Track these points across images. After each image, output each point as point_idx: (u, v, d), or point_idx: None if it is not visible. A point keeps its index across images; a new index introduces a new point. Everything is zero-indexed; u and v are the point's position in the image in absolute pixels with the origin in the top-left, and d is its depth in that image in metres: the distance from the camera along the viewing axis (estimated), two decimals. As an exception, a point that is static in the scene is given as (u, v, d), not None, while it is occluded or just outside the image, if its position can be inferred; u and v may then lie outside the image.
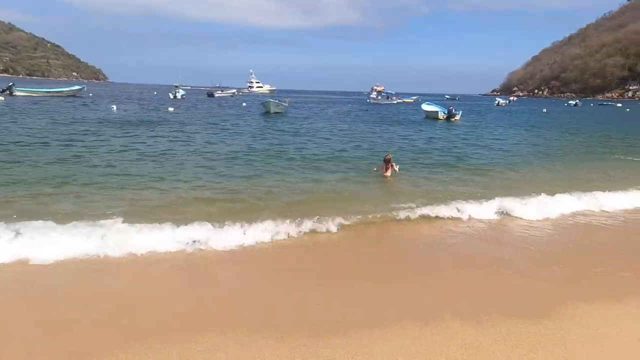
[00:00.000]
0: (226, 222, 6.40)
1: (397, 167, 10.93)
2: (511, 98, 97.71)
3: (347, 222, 6.98)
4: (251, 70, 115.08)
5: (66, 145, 13.98)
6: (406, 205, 7.89)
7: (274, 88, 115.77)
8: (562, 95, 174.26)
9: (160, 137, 17.58)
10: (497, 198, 8.40)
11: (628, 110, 74.83)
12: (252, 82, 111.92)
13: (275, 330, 3.89)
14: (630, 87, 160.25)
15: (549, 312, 4.35)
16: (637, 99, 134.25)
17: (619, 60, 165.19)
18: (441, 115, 33.79)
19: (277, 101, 37.41)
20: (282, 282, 5.09)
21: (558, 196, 8.86)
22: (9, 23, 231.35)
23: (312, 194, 8.96)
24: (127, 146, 14.53)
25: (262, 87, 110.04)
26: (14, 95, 41.37)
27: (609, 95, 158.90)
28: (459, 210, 7.82)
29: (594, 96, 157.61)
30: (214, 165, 11.86)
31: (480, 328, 4.00)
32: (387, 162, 10.70)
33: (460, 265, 5.77)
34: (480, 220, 7.71)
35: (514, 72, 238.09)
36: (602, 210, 8.65)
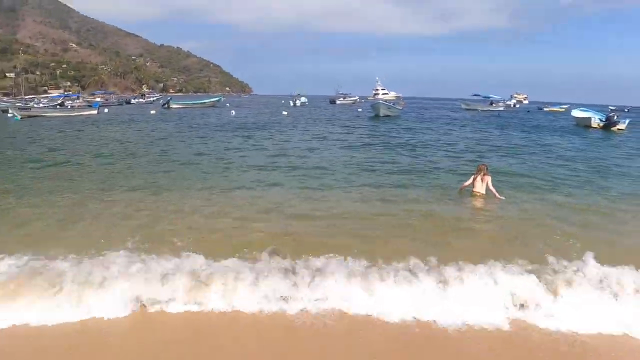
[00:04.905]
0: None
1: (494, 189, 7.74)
2: None
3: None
4: (377, 78, 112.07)
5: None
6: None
7: (400, 95, 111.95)
8: None
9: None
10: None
11: None
12: (377, 89, 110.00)
13: None
14: None
15: None
16: None
17: None
18: (595, 123, 26.69)
19: (388, 104, 35.11)
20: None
21: None
22: (188, 51, 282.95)
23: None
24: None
25: (387, 93, 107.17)
26: (171, 107, 47.17)
27: None
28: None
29: None
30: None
31: None
32: (479, 171, 7.85)
33: None
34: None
35: None
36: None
